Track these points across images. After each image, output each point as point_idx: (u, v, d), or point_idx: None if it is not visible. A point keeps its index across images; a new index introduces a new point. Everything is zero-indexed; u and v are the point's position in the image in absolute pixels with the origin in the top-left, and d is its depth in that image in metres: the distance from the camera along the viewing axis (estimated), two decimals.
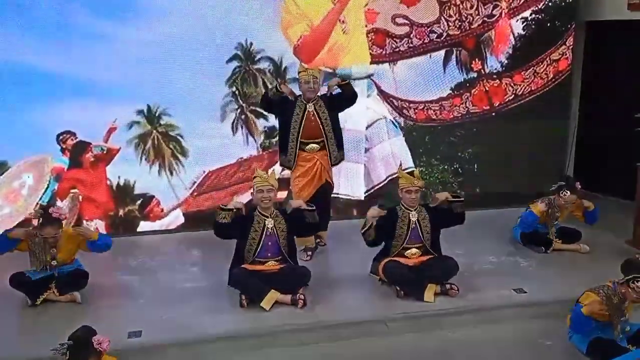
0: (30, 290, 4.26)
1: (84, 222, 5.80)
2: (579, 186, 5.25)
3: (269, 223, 4.33)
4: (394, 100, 6.50)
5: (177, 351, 3.76)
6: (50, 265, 4.32)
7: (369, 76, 6.39)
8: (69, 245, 4.38)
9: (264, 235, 4.31)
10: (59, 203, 5.69)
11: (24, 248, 4.34)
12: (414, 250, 4.48)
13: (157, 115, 5.86)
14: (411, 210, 4.49)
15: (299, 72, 5.10)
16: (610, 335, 3.65)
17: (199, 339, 3.87)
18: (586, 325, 3.58)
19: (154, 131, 5.89)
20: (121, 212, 5.93)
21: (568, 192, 5.16)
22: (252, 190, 4.54)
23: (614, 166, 6.63)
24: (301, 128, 5.00)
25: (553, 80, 6.80)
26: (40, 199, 5.61)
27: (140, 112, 5.81)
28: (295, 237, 4.80)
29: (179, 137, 5.96)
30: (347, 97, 5.19)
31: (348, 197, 6.45)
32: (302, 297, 4.22)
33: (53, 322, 3.99)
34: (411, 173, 4.64)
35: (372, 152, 6.49)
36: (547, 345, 3.87)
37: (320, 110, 5.04)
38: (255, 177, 4.39)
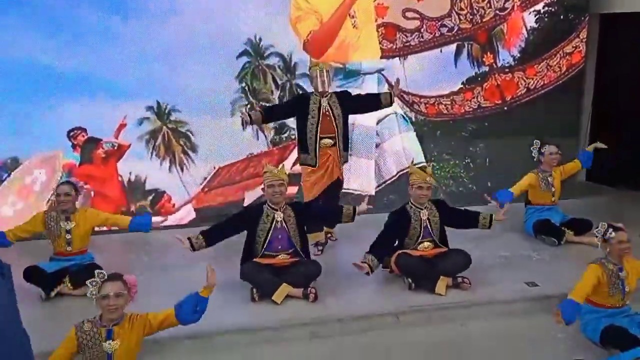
0: (44, 283, 4.30)
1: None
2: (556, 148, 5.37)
3: (278, 216, 4.34)
4: (404, 95, 6.47)
5: (190, 344, 3.77)
6: (65, 241, 4.39)
7: (379, 71, 6.37)
8: (85, 223, 4.46)
9: (272, 229, 4.32)
10: None
11: (39, 225, 4.42)
12: (425, 244, 4.47)
13: (166, 111, 5.89)
14: (421, 209, 4.46)
15: (309, 67, 5.10)
16: (621, 322, 3.63)
17: (211, 332, 3.86)
18: (572, 309, 3.54)
19: (164, 127, 5.92)
20: (133, 208, 5.97)
21: (547, 145, 5.32)
22: (262, 186, 4.54)
23: (628, 159, 6.55)
24: (319, 123, 5.00)
25: (566, 73, 6.74)
26: (52, 195, 5.66)
27: (150, 108, 5.85)
28: (307, 232, 4.83)
29: (188, 133, 5.99)
30: (375, 106, 5.34)
31: (358, 193, 6.43)
32: (313, 290, 4.21)
33: (66, 316, 4.01)
34: (423, 169, 4.59)
35: (383, 147, 6.48)
36: (559, 338, 3.83)
37: (333, 105, 5.03)
38: (265, 172, 4.41)
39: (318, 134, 5.01)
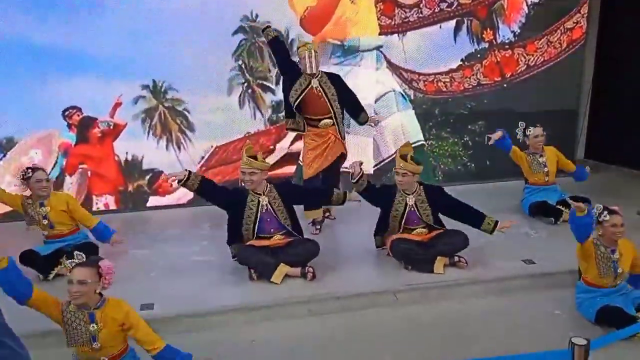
0: (41, 266, 4.31)
1: (94, 197, 5.83)
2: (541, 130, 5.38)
3: (263, 200, 4.30)
4: (403, 73, 6.41)
5: (189, 322, 3.79)
6: (42, 225, 4.39)
7: (377, 48, 6.30)
8: (60, 207, 4.44)
9: (259, 213, 4.30)
10: (67, 179, 5.73)
11: (17, 205, 4.45)
12: (419, 230, 4.45)
13: (162, 90, 5.84)
14: (408, 194, 4.41)
15: (297, 48, 5.01)
16: (617, 302, 3.65)
17: (210, 310, 3.89)
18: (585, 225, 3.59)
19: (160, 106, 5.87)
20: (130, 188, 5.96)
21: (532, 127, 5.33)
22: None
23: (628, 137, 6.52)
24: (300, 98, 4.89)
25: (567, 49, 6.67)
26: (49, 174, 5.62)
27: (145, 86, 5.79)
28: (304, 210, 4.82)
29: (185, 112, 5.94)
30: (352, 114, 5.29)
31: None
32: (311, 269, 4.22)
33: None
34: (404, 156, 4.35)
35: (382, 126, 6.43)
36: (555, 315, 3.85)
37: (325, 86, 4.97)
38: (242, 157, 4.28)
39: (298, 105, 4.92)
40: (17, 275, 3.03)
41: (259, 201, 4.29)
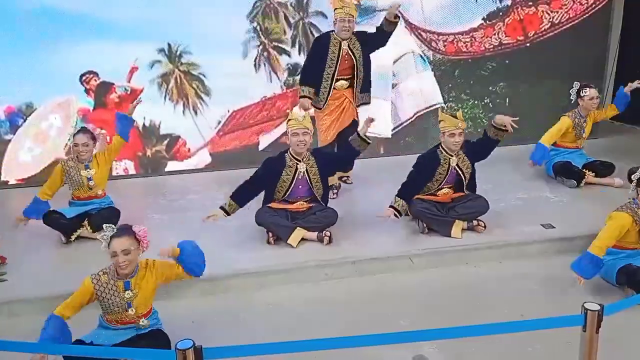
0: (64, 228, 4.40)
1: (113, 162, 5.88)
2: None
3: (301, 167, 4.27)
4: (422, 33, 6.23)
5: (207, 285, 3.86)
6: (88, 186, 4.46)
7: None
8: (103, 169, 4.53)
9: (295, 179, 4.28)
10: None
11: (58, 181, 4.48)
12: (445, 190, 4.39)
13: (178, 53, 5.78)
14: (452, 155, 4.31)
15: (334, 8, 4.86)
16: (639, 263, 3.59)
17: (226, 274, 3.95)
18: (592, 264, 3.56)
19: (176, 70, 5.83)
20: (149, 153, 5.99)
21: (587, 88, 5.16)
22: (286, 132, 4.38)
23: None
24: (337, 68, 4.88)
25: (593, 5, 6.39)
26: (69, 139, 5.69)
27: (161, 50, 5.74)
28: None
29: (201, 76, 5.90)
30: (382, 38, 5.03)
31: (374, 135, 6.32)
32: (328, 233, 4.24)
33: (86, 259, 4.12)
34: (454, 115, 4.29)
35: (399, 88, 6.31)
36: (572, 279, 3.82)
37: (354, 48, 4.89)
38: (289, 120, 4.25)
39: (334, 78, 4.90)
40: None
41: (297, 167, 4.26)
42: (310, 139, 4.28)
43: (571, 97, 5.28)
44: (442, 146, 4.33)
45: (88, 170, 4.47)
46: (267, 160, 4.38)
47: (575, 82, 5.27)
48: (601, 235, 3.60)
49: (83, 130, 4.56)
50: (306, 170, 4.28)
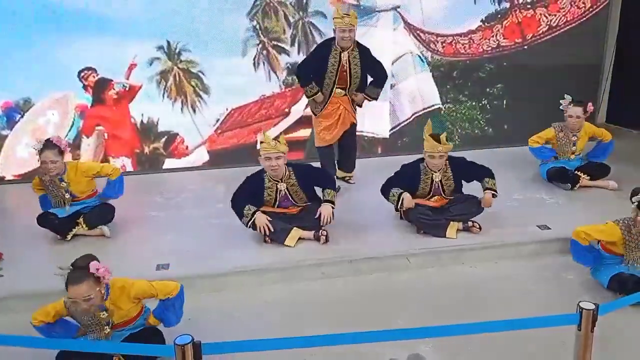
0: (58, 228, 4.34)
1: (110, 159, 5.89)
2: (591, 107, 5.20)
3: (281, 187, 4.25)
4: (420, 34, 6.26)
5: (203, 283, 3.86)
6: (65, 199, 4.34)
7: (395, 8, 6.14)
8: (79, 179, 4.36)
9: (278, 197, 4.28)
10: (84, 140, 5.79)
11: (38, 188, 4.41)
12: (436, 197, 4.42)
13: (177, 51, 5.79)
14: (435, 172, 4.33)
15: (334, 18, 4.88)
16: (634, 271, 3.61)
17: (224, 272, 3.95)
18: (583, 253, 3.66)
19: (175, 67, 5.83)
20: (146, 150, 5.99)
21: (572, 105, 5.15)
22: (259, 157, 4.19)
23: None
24: (337, 77, 4.94)
25: (590, 9, 6.43)
26: (67, 135, 5.69)
27: (160, 47, 5.74)
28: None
29: (200, 74, 5.90)
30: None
31: (373, 135, 6.37)
32: (324, 232, 4.24)
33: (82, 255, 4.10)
34: (436, 137, 4.22)
35: (398, 89, 6.34)
36: (569, 280, 3.85)
37: (353, 61, 4.94)
38: (262, 143, 4.14)
39: (334, 88, 4.97)
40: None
41: (277, 188, 4.25)
42: (284, 161, 4.16)
43: (561, 108, 5.24)
44: (425, 162, 4.35)
45: (63, 183, 4.30)
46: (247, 180, 4.27)
47: (567, 95, 5.21)
48: (589, 227, 3.67)
49: (49, 145, 4.15)
50: (287, 188, 4.27)
